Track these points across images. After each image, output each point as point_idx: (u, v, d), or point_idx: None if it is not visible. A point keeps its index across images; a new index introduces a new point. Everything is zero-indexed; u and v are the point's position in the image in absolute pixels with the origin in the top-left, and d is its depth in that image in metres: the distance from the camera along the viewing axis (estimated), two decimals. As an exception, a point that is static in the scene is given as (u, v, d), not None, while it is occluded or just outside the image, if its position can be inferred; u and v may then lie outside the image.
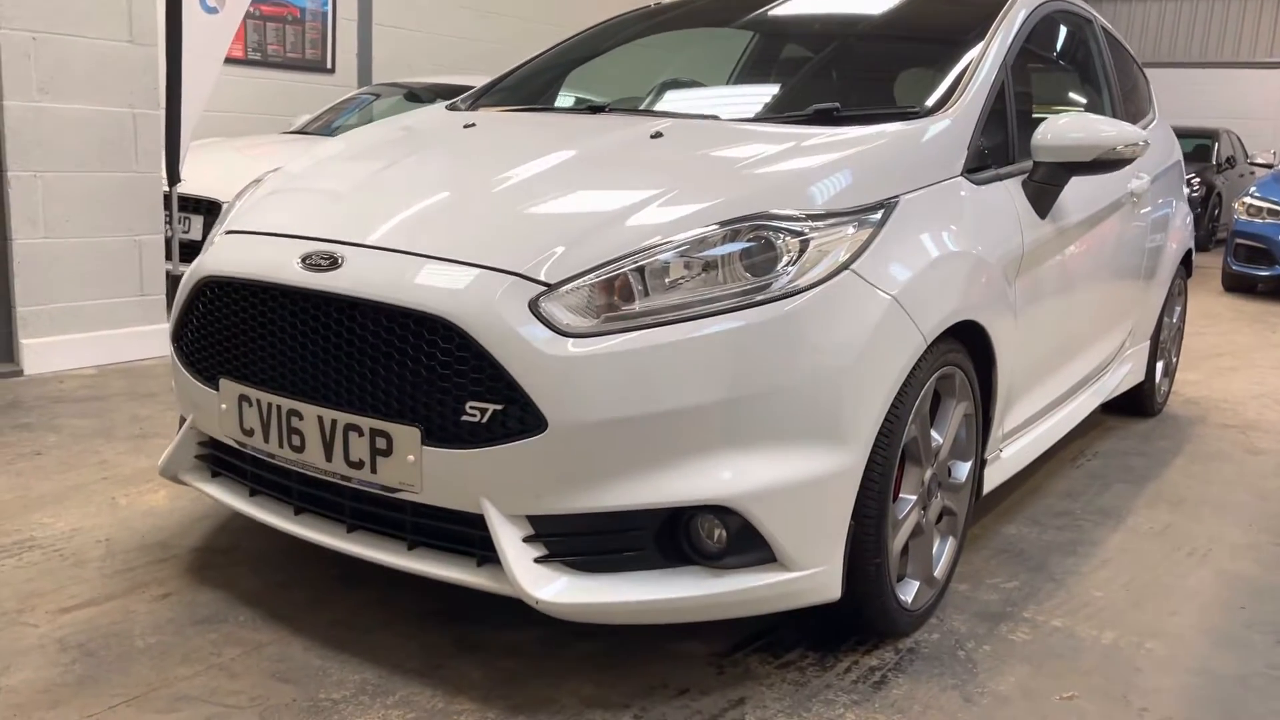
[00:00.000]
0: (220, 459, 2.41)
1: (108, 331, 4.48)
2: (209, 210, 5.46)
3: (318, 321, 2.07)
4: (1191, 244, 4.62)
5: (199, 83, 4.76)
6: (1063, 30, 3.59)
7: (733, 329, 1.94)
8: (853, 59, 3.21)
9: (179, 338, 2.38)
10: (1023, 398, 2.89)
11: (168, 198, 4.82)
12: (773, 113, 2.91)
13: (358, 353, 2.01)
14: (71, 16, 4.20)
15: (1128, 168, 3.07)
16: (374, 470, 2.02)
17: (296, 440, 2.12)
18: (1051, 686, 2.20)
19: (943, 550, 2.50)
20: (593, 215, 2.11)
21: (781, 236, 2.04)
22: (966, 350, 2.42)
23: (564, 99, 3.42)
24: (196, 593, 2.41)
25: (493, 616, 2.33)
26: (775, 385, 1.95)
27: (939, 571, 2.47)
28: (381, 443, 2.00)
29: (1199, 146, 14.21)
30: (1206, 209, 13.20)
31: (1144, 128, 4.18)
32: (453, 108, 3.24)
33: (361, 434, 2.02)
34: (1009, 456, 2.89)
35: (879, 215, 2.18)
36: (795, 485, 1.97)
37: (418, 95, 7.37)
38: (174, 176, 4.80)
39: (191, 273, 2.35)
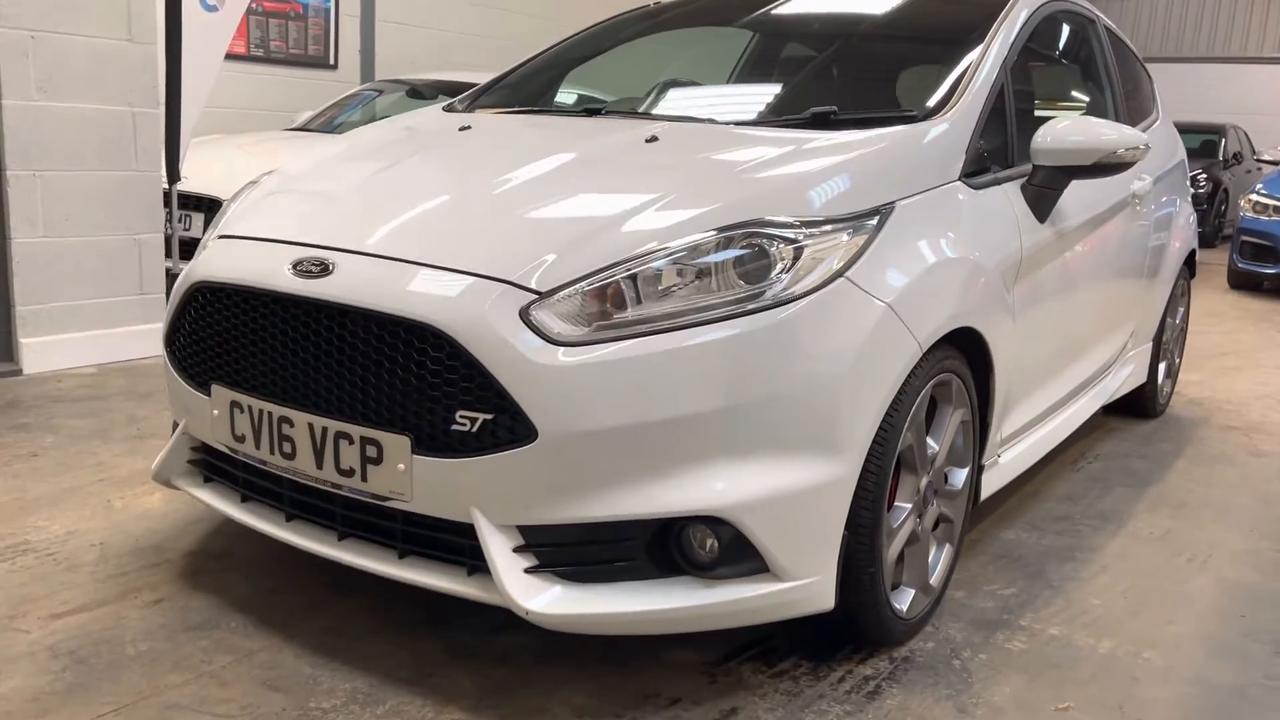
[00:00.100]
0: (212, 464, 2.40)
1: (107, 330, 4.48)
2: (210, 208, 5.45)
3: (308, 328, 2.06)
4: (1195, 244, 4.59)
5: (199, 81, 4.75)
6: (1065, 30, 3.57)
7: (726, 338, 1.92)
8: (852, 60, 3.19)
9: (171, 342, 2.38)
10: (1021, 402, 2.87)
11: (167, 195, 4.81)
12: (770, 116, 2.88)
13: (348, 360, 2.00)
14: (70, 15, 4.19)
15: (1130, 169, 3.04)
16: (364, 478, 2.01)
17: (287, 447, 2.10)
18: (1047, 697, 2.18)
19: (939, 558, 2.48)
20: (585, 221, 2.09)
21: (775, 244, 2.03)
22: (964, 356, 2.41)
23: (565, 96, 3.41)
24: (189, 598, 2.40)
25: (484, 623, 2.32)
26: (768, 394, 1.94)
27: (935, 579, 2.45)
28: (372, 451, 1.98)
29: (1206, 142, 14.15)
30: (1213, 205, 13.14)
31: (1147, 127, 4.16)
32: (450, 109, 3.22)
33: (352, 442, 2.00)
34: (1007, 462, 2.87)
35: (874, 221, 2.16)
36: (788, 495, 1.96)
37: (420, 92, 7.35)
38: (174, 175, 4.79)
39: (184, 278, 2.34)
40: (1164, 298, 4.24)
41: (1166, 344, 4.48)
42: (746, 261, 2.00)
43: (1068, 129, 2.68)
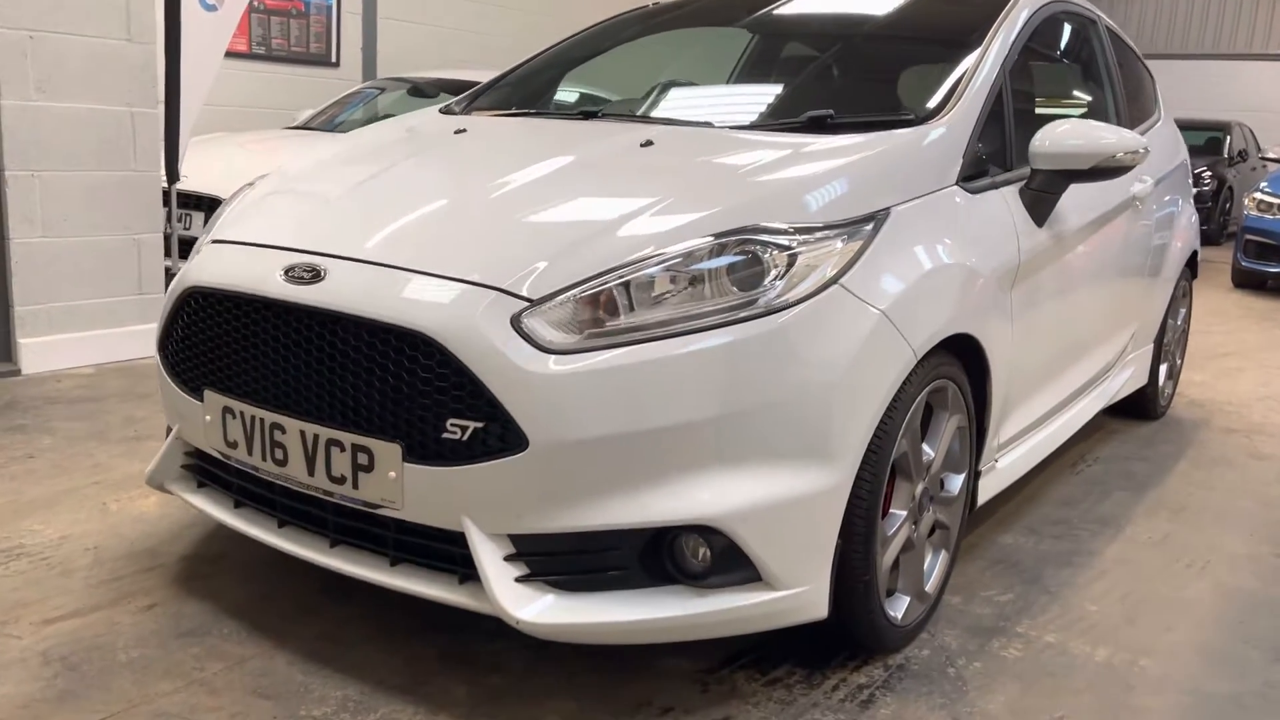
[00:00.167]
0: (206, 470, 2.40)
1: (106, 330, 4.48)
2: (210, 206, 5.44)
3: (300, 335, 2.05)
4: (1197, 245, 4.57)
5: (198, 81, 4.74)
6: (1065, 31, 3.55)
7: (718, 345, 1.91)
8: (850, 62, 3.18)
9: (164, 347, 2.37)
10: (1020, 407, 2.86)
11: (167, 194, 4.81)
12: (767, 119, 2.87)
13: (339, 367, 1.99)
14: (68, 15, 4.18)
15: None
16: (356, 486, 2.00)
17: (279, 454, 2.10)
18: (1041, 706, 2.17)
19: (934, 564, 2.47)
20: (578, 228, 2.08)
21: (769, 250, 2.01)
22: (960, 362, 2.39)
23: (568, 94, 3.40)
24: (182, 604, 2.40)
25: (478, 630, 2.31)
26: (761, 403, 1.93)
27: (930, 586, 2.44)
28: (363, 458, 1.98)
29: (1211, 139, 14.10)
30: (1218, 203, 13.10)
31: (1149, 128, 4.14)
32: (447, 111, 3.21)
33: (343, 449, 2.00)
34: (1005, 467, 2.86)
35: (869, 227, 2.15)
36: (781, 504, 1.94)
37: (422, 90, 7.34)
38: (173, 175, 4.79)
39: (176, 283, 2.33)
40: (1165, 299, 4.22)
41: (1168, 345, 4.46)
42: (739, 269, 1.99)
43: (1066, 132, 2.66)
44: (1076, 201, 2.95)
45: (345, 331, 1.99)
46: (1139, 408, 4.38)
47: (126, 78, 4.40)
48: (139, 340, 4.54)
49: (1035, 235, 2.72)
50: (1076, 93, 3.72)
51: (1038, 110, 3.20)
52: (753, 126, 2.69)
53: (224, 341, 2.19)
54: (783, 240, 2.02)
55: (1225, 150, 13.86)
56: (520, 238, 2.07)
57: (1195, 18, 17.48)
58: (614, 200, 2.19)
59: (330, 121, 7.02)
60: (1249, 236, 9.10)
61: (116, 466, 3.23)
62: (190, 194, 5.34)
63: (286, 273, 2.10)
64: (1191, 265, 4.58)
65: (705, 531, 1.92)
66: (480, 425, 1.87)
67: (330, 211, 2.32)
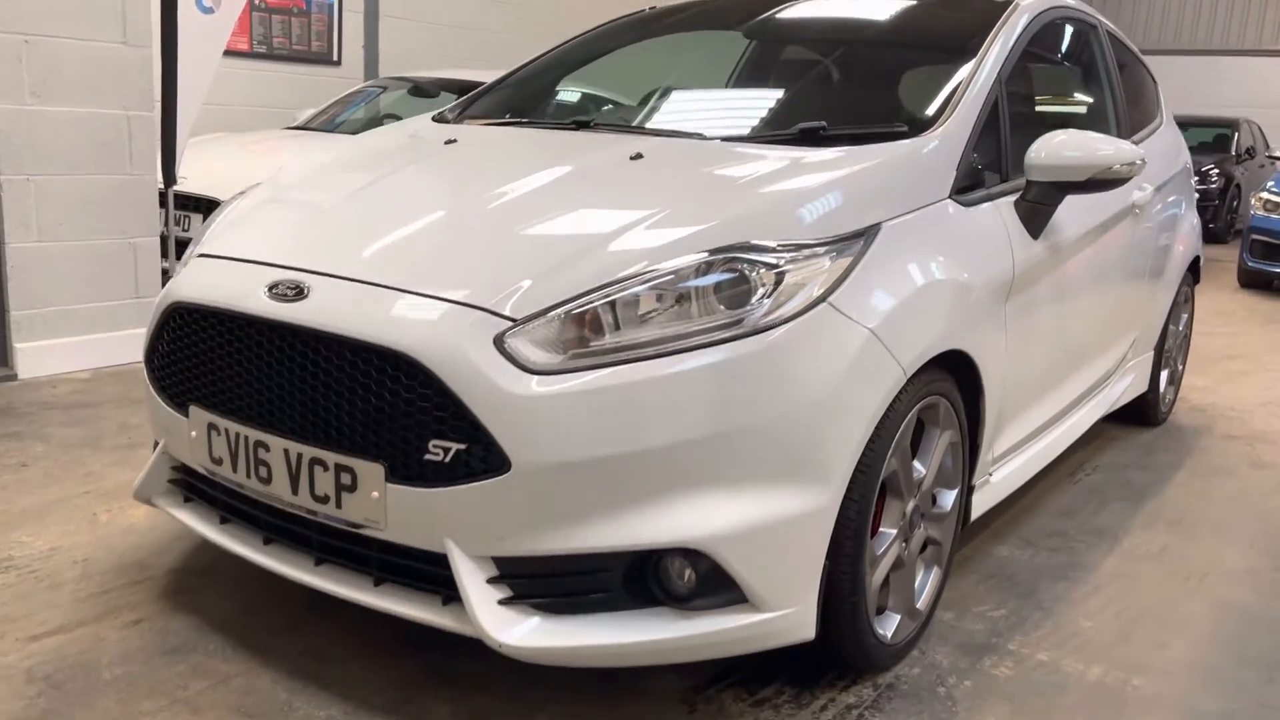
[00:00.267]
0: (192, 485, 2.39)
1: (102, 335, 4.47)
2: (208, 208, 5.43)
3: (283, 353, 2.03)
4: (1199, 250, 4.53)
5: (195, 84, 4.72)
6: (1065, 38, 3.51)
7: (703, 366, 1.89)
8: (846, 70, 3.15)
9: (151, 361, 2.36)
10: (1015, 420, 2.83)
11: (164, 196, 4.79)
12: (760, 130, 2.83)
13: (322, 386, 1.98)
14: (64, 18, 4.17)
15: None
16: (339, 506, 1.99)
17: (264, 472, 2.08)
18: (1032, 727, 2.16)
19: (926, 581, 2.45)
20: (563, 245, 2.06)
21: (756, 269, 1.99)
22: (953, 377, 2.37)
23: (569, 94, 3.38)
24: (169, 619, 2.39)
25: (465, 647, 2.29)
26: (746, 424, 1.90)
27: (922, 603, 2.42)
28: (346, 478, 1.96)
29: (1218, 136, 14.02)
30: (1225, 201, 13.02)
31: (1151, 133, 4.10)
32: (440, 119, 3.19)
33: (327, 468, 1.98)
34: (999, 480, 2.83)
35: (859, 244, 2.13)
36: (767, 526, 1.92)
37: (424, 89, 7.32)
38: (170, 178, 4.77)
39: (162, 297, 2.32)
40: (1166, 305, 4.19)
41: (1169, 351, 4.43)
42: (726, 287, 1.97)
43: (1062, 144, 2.63)
44: (1074, 211, 2.92)
45: (329, 350, 1.97)
46: (1140, 414, 4.35)
47: (122, 81, 4.39)
48: (135, 344, 4.49)
49: (1030, 247, 2.69)
50: (1075, 100, 3.69)
51: (1035, 118, 3.16)
52: (744, 139, 2.66)
53: (209, 358, 2.17)
54: (769, 259, 2.00)
55: (1233, 147, 13.76)
56: (505, 255, 2.05)
57: (1204, 12, 17.37)
58: (600, 216, 2.16)
59: (331, 121, 7.00)
60: (1255, 236, 9.04)
61: (109, 475, 3.22)
62: (188, 196, 5.33)
63: (270, 289, 2.08)
64: (1194, 270, 4.54)
65: (689, 554, 1.91)
66: (463, 447, 1.85)
67: (317, 226, 2.31)
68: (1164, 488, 3.70)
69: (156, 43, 4.58)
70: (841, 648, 2.18)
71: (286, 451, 2.03)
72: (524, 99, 3.29)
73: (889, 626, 2.31)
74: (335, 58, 8.72)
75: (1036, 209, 2.69)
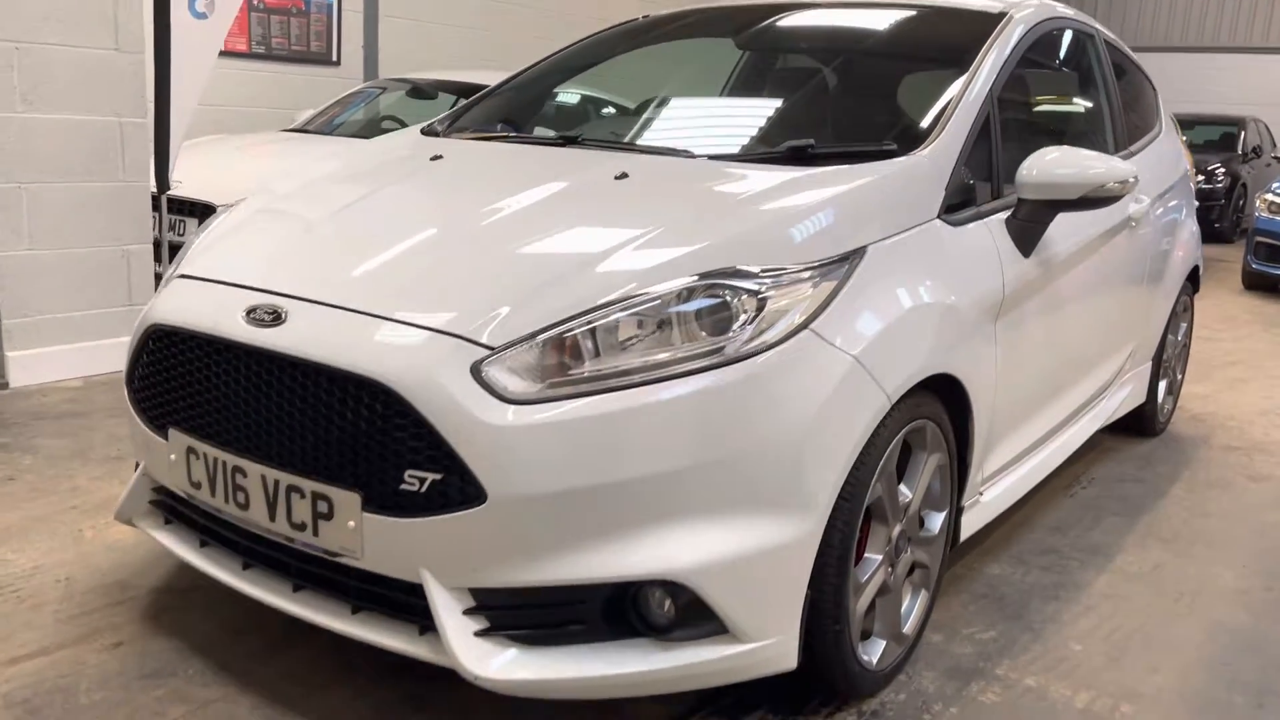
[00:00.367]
0: (173, 507, 2.37)
1: (94, 342, 4.45)
2: (203, 213, 5.41)
3: (261, 378, 2.01)
4: (1198, 259, 4.50)
5: (188, 89, 4.70)
6: (1060, 49, 3.47)
7: (682, 395, 1.86)
8: (838, 85, 3.11)
9: (131, 382, 2.34)
10: (1007, 438, 2.81)
11: (157, 201, 4.77)
12: (747, 147, 2.80)
13: (299, 413, 1.96)
14: (55, 25, 4.15)
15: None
16: (316, 533, 1.97)
17: (241, 497, 2.07)
18: (1017, 757, 2.13)
19: (913, 606, 2.42)
20: (543, 270, 2.04)
21: (738, 295, 1.96)
22: (940, 400, 2.34)
23: (569, 96, 3.35)
24: (149, 641, 2.37)
25: (445, 674, 2.26)
26: (727, 454, 1.88)
27: (909, 628, 2.39)
28: (323, 506, 1.94)
29: (1225, 135, 13.94)
30: (1231, 200, 12.95)
31: (1149, 142, 4.07)
32: (429, 132, 3.16)
33: (303, 496, 1.96)
34: (990, 500, 2.80)
35: (843, 269, 2.10)
36: (748, 556, 1.90)
37: (423, 90, 7.29)
38: (163, 184, 4.75)
39: (141, 319, 2.30)
40: (1164, 316, 4.16)
41: (1168, 361, 4.39)
42: (707, 314, 1.95)
43: (1054, 161, 2.60)
44: (1067, 226, 2.88)
45: (305, 377, 1.95)
46: (1138, 425, 4.32)
47: (115, 87, 4.37)
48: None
49: (1022, 265, 2.66)
50: (1070, 112, 3.65)
51: (1029, 132, 3.13)
52: (730, 157, 2.62)
53: (187, 381, 2.16)
54: (751, 285, 1.97)
55: (1239, 146, 13.68)
56: (483, 280, 2.03)
57: (1210, 10, 17.26)
58: (582, 239, 2.14)
59: (329, 123, 6.96)
60: (1259, 238, 8.98)
61: (95, 489, 3.20)
62: (184, 200, 5.30)
63: (248, 314, 2.06)
64: (1193, 279, 4.51)
65: (669, 585, 1.88)
66: (438, 477, 1.83)
67: (297, 247, 2.28)
68: (1159, 502, 3.67)
69: (149, 48, 4.56)
70: (825, 675, 2.15)
71: (264, 477, 2.01)
72: (515, 110, 3.27)
73: (874, 652, 2.28)
74: (334, 58, 8.70)
75: (1028, 228, 2.66)
